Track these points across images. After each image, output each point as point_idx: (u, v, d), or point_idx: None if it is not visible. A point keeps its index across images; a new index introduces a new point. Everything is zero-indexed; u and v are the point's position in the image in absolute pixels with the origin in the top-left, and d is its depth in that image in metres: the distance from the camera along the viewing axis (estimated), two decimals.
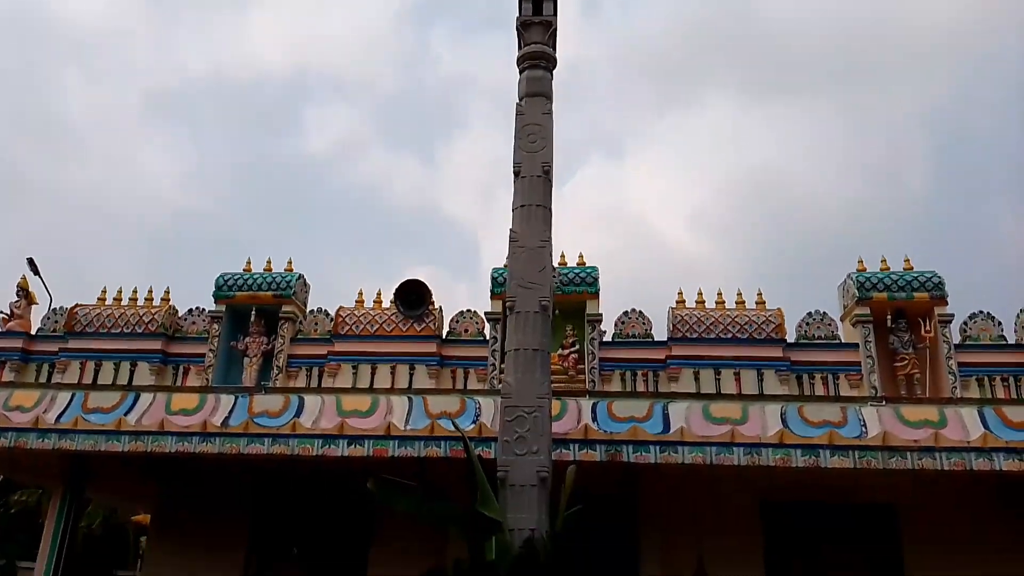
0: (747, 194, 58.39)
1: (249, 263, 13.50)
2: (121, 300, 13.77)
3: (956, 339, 11.86)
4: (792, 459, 8.60)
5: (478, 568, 6.93)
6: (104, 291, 13.91)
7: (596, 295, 12.48)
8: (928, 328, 11.62)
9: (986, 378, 11.66)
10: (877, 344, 11.83)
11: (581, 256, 12.93)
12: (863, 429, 8.76)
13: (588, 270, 12.65)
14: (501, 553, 6.59)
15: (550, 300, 7.97)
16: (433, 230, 67.20)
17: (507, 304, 8.11)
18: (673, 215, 62.37)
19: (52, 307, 14.24)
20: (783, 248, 56.70)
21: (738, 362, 11.96)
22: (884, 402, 9.32)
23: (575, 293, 12.40)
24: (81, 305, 13.62)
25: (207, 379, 12.50)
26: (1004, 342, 11.93)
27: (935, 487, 10.73)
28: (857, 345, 11.91)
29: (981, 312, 12.23)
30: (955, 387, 11.33)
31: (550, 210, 8.31)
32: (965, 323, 12.11)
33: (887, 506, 11.29)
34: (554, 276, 10.34)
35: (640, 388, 12.03)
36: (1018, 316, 12.07)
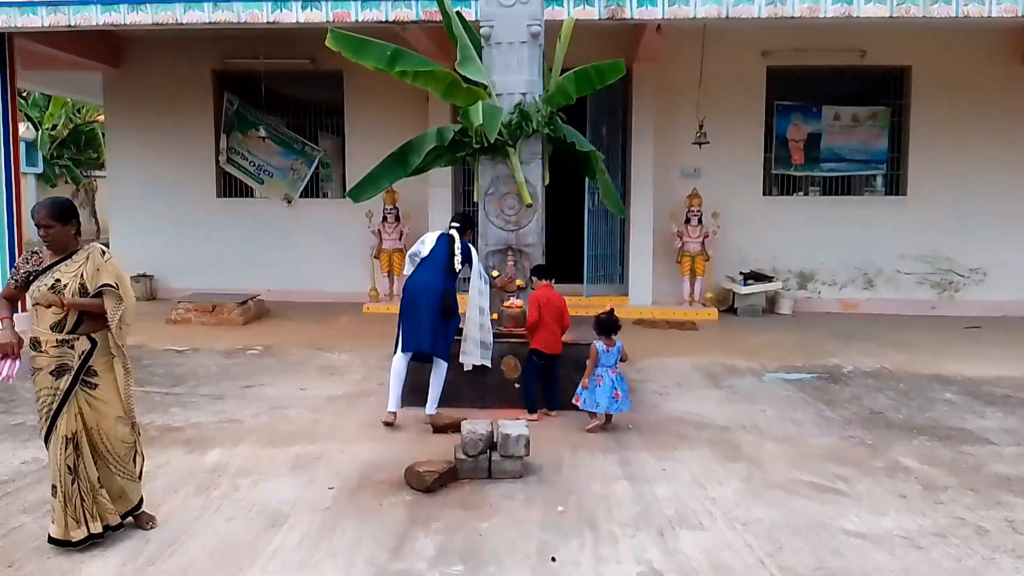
0: None
1: None
2: None
3: None
4: (821, 8, 7.40)
5: (463, 134, 6.17)
6: None
7: None
8: None
9: None
10: None
11: None
12: None
13: None
14: (489, 118, 5.74)
15: None
16: None
17: None
18: None
19: None
20: None
21: None
22: None
23: None
24: None
25: None
26: None
27: (957, 44, 9.84)
28: None
29: None
30: None
31: None
32: None
33: (901, 69, 10.48)
34: None
35: None
36: None
